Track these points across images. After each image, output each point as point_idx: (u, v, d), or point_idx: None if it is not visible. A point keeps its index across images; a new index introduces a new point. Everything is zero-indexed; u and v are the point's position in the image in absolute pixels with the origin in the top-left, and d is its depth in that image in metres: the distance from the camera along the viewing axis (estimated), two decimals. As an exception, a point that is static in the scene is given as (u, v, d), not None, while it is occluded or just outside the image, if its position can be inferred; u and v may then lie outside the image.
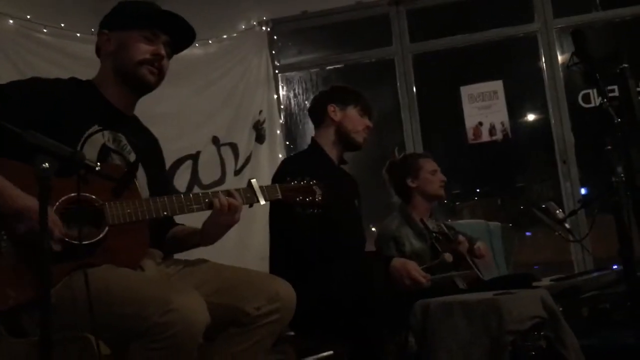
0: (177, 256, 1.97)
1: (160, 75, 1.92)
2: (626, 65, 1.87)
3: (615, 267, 3.00)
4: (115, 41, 1.90)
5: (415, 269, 2.46)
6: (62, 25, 3.81)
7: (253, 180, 1.91)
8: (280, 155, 4.40)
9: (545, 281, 2.92)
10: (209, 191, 1.85)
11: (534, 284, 2.75)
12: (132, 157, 1.87)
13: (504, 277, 3.21)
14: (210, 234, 1.87)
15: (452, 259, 2.74)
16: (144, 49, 1.86)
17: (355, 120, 2.77)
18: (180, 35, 1.96)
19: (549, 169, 4.51)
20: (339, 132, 2.77)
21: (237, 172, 4.29)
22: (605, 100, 1.88)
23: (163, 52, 1.90)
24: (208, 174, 4.21)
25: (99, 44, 1.94)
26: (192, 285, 1.68)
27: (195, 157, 4.20)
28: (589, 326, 2.69)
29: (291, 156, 3.55)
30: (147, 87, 1.91)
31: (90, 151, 1.74)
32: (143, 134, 2.04)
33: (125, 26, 1.89)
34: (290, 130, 4.78)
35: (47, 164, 1.32)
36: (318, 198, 1.98)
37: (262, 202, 1.89)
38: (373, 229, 3.97)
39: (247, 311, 1.71)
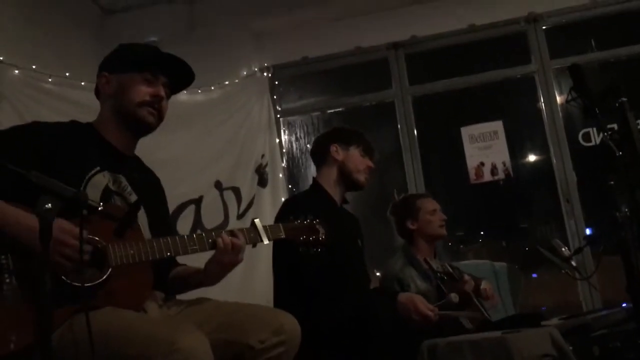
0: (179, 297, 1.95)
1: (160, 116, 1.93)
2: (625, 99, 1.89)
3: (624, 305, 2.95)
4: (115, 83, 1.92)
5: (422, 302, 2.44)
6: (67, 74, 3.87)
7: (256, 220, 1.91)
8: (282, 199, 4.41)
9: (554, 320, 2.87)
10: (213, 232, 1.84)
11: (543, 323, 2.70)
12: (133, 198, 1.86)
13: (511, 317, 3.16)
14: (213, 273, 1.85)
15: (458, 299, 2.70)
16: (143, 91, 1.88)
17: (357, 160, 2.79)
18: (180, 76, 1.99)
19: (552, 209, 4.49)
20: (341, 171, 2.78)
21: (240, 216, 4.28)
22: (605, 134, 1.89)
23: (163, 93, 1.92)
24: (211, 218, 4.20)
25: (99, 86, 1.96)
26: (195, 323, 1.65)
27: (198, 202, 4.20)
28: (600, 365, 2.63)
29: (293, 196, 3.56)
30: (147, 128, 1.93)
31: (92, 193, 1.74)
32: (144, 174, 2.04)
33: (125, 68, 1.91)
34: (293, 174, 4.80)
35: (50, 205, 1.32)
36: (322, 237, 1.97)
37: (266, 241, 1.88)
38: (378, 274, 3.92)
39: (251, 345, 1.67)
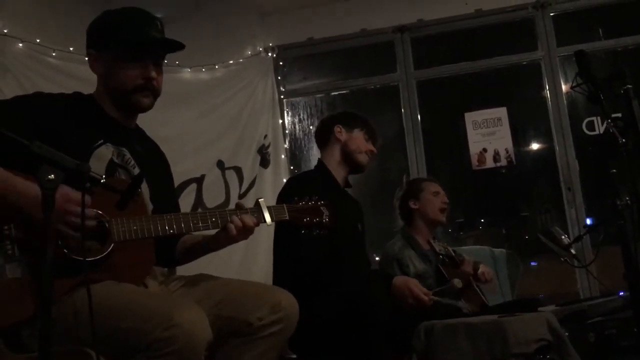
0: (180, 273, 1.96)
1: (156, 93, 1.88)
2: (630, 86, 1.88)
3: (621, 293, 2.96)
4: (102, 64, 1.86)
5: (416, 286, 2.45)
6: (71, 49, 3.85)
7: (261, 200, 1.90)
8: (284, 180, 4.41)
9: (551, 307, 2.88)
10: (217, 211, 1.83)
11: (540, 309, 2.71)
12: (137, 171, 1.85)
13: (508, 302, 3.18)
14: (222, 242, 1.85)
15: (461, 284, 2.71)
16: (133, 75, 1.82)
17: (359, 142, 2.81)
18: (168, 49, 1.93)
19: (553, 197, 4.50)
20: (344, 151, 2.80)
21: (242, 196, 4.29)
22: (609, 120, 1.88)
23: (153, 74, 1.85)
24: (212, 197, 4.21)
25: (90, 62, 1.90)
26: (194, 299, 1.66)
27: (199, 180, 4.21)
28: (595, 352, 2.64)
29: (296, 175, 3.57)
30: (143, 110, 1.89)
31: (97, 166, 1.72)
32: (147, 147, 2.02)
33: (110, 50, 1.84)
34: (295, 155, 4.80)
35: (52, 176, 1.32)
36: (325, 219, 1.95)
37: (269, 222, 1.87)
38: (377, 259, 3.94)
39: (250, 321, 1.69)
